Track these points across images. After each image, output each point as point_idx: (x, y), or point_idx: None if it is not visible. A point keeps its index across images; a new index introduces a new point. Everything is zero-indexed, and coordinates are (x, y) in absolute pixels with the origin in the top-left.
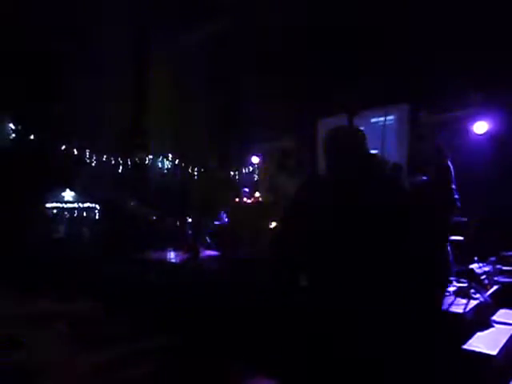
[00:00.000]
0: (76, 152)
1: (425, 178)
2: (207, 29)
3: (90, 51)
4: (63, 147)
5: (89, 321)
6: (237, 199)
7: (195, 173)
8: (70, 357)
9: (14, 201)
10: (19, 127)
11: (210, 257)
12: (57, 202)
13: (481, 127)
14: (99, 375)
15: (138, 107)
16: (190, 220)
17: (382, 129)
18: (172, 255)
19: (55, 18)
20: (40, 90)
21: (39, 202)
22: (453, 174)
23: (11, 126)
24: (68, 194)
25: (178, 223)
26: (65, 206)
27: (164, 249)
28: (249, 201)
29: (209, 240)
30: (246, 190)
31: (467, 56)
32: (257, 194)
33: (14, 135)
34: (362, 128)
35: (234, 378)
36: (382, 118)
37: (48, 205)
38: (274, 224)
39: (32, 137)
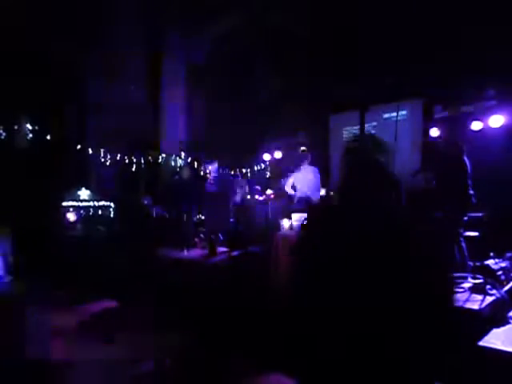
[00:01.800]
0: (91, 151)
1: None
2: (219, 28)
3: (104, 53)
4: (78, 147)
5: (103, 317)
6: (248, 196)
7: (207, 171)
8: (83, 351)
9: (31, 200)
10: (36, 128)
11: (223, 253)
12: (73, 200)
13: (496, 121)
14: (111, 370)
15: (152, 107)
16: (203, 217)
17: (394, 124)
18: (187, 252)
19: (71, 21)
20: (56, 90)
21: (56, 201)
22: (469, 169)
23: (28, 126)
24: (84, 193)
25: (191, 220)
26: (81, 204)
27: (177, 246)
28: (260, 198)
29: (221, 237)
30: (258, 187)
31: (482, 50)
32: (268, 192)
33: (30, 135)
34: (374, 123)
35: (244, 375)
36: (394, 114)
37: (64, 203)
38: (285, 220)
39: (48, 137)
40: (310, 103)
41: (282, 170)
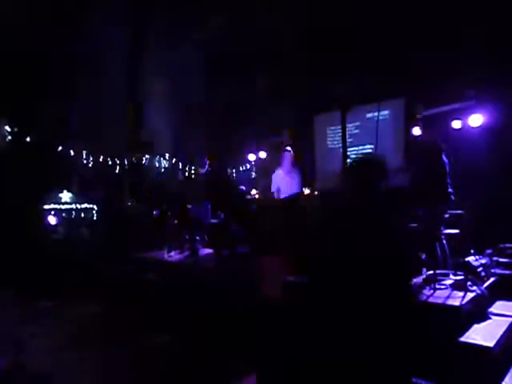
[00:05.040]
0: (73, 153)
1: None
2: (206, 26)
3: (88, 51)
4: (60, 148)
5: (88, 320)
6: None
7: (192, 172)
8: (69, 356)
9: (12, 203)
10: (15, 129)
11: (208, 254)
12: (54, 203)
13: (476, 120)
14: (99, 374)
15: (136, 107)
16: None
17: (376, 124)
18: (171, 254)
19: (53, 17)
20: (37, 91)
21: (37, 204)
22: (447, 167)
23: (7, 128)
24: (65, 195)
25: (175, 222)
26: (62, 207)
27: (162, 248)
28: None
29: (206, 238)
30: (243, 187)
31: (461, 49)
32: (253, 192)
33: (10, 137)
34: (357, 123)
35: (232, 377)
36: (376, 113)
37: (46, 206)
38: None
39: (28, 139)
40: (295, 103)
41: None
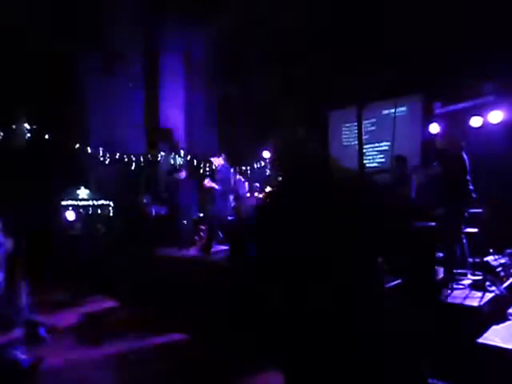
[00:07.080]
0: (90, 150)
1: (438, 169)
2: (217, 23)
3: (103, 51)
4: (77, 146)
5: (102, 315)
6: (248, 194)
7: (207, 169)
8: (82, 349)
9: (30, 199)
10: (34, 127)
11: (221, 251)
12: (72, 199)
13: (495, 117)
14: (109, 368)
15: (151, 105)
16: (201, 215)
17: (392, 120)
18: (185, 251)
19: (68, 18)
20: (54, 90)
21: (55, 200)
22: (468, 165)
23: (26, 125)
24: (83, 192)
25: (190, 219)
26: (80, 203)
27: (176, 244)
28: (260, 195)
29: (221, 235)
30: (257, 185)
31: (480, 46)
32: (268, 189)
33: (29, 135)
34: (373, 120)
35: (245, 375)
36: (393, 110)
37: (63, 202)
38: None
39: (47, 136)
40: (310, 99)
41: None
